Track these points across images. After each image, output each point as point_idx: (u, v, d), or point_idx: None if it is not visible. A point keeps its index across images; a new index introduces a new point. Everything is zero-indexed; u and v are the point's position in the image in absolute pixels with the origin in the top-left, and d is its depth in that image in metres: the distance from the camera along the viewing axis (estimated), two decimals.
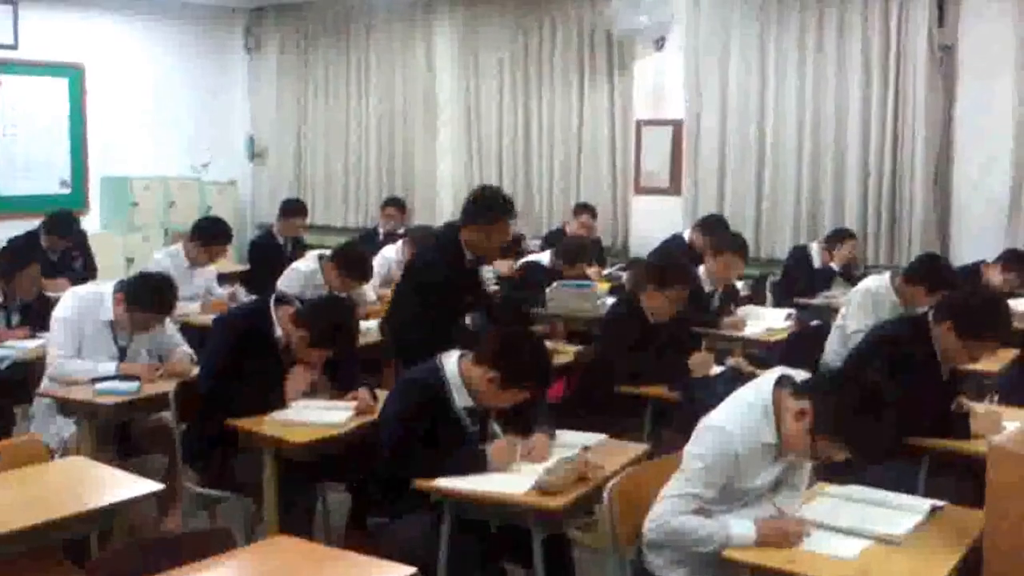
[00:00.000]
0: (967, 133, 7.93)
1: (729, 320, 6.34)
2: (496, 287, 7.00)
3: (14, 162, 10.06)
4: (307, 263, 6.78)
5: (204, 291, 7.04)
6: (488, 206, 5.33)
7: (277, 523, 4.06)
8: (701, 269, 6.50)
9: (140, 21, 10.88)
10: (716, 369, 5.19)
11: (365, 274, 6.63)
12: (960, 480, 3.89)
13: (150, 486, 3.47)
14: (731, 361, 5.33)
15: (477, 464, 3.63)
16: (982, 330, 4.18)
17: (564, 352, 5.71)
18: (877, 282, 5.71)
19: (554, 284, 6.96)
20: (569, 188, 9.76)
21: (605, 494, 3.21)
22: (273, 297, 4.64)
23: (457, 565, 3.56)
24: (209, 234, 7.07)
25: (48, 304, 5.52)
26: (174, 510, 4.67)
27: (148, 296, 4.89)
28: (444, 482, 3.55)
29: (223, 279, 7.57)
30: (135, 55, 10.93)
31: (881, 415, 3.06)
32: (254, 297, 6.01)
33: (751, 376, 3.45)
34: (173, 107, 11.23)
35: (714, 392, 4.20)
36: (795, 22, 8.48)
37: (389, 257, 7.83)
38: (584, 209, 8.91)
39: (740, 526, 3.06)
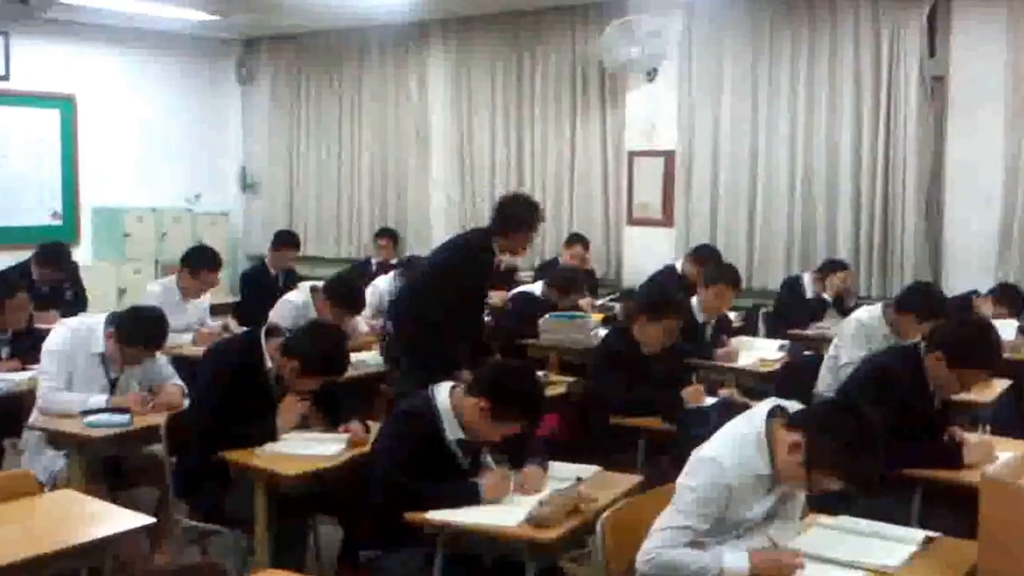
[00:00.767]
0: (958, 164, 7.97)
1: (722, 351, 6.34)
2: (488, 318, 7.00)
3: (5, 193, 10.05)
4: (299, 295, 6.77)
5: (197, 322, 7.02)
6: (528, 218, 5.77)
7: (269, 557, 4.04)
8: (694, 300, 6.51)
9: (132, 52, 10.91)
10: (709, 400, 5.19)
11: (357, 306, 6.63)
12: (953, 511, 3.87)
13: (141, 520, 3.45)
14: (724, 392, 5.34)
15: (470, 496, 3.61)
16: (972, 359, 4.20)
17: (557, 383, 5.70)
18: (869, 313, 5.72)
19: (547, 315, 6.96)
20: (562, 219, 9.78)
21: (598, 526, 3.20)
22: (264, 329, 4.63)
23: None
24: (197, 260, 7.03)
25: (39, 336, 5.50)
26: (165, 544, 4.64)
27: (138, 332, 4.87)
28: (437, 515, 3.52)
29: (215, 310, 7.55)
30: (127, 86, 10.95)
31: (875, 448, 3.06)
32: (245, 329, 5.99)
33: (744, 407, 3.45)
34: (165, 138, 11.25)
35: (707, 423, 4.19)
36: (786, 54, 8.54)
37: (381, 288, 7.82)
38: (577, 240, 8.94)
39: (734, 558, 3.05)
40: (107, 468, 4.81)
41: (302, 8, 9.64)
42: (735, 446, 3.17)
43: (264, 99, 11.85)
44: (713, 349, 6.35)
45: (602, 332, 6.55)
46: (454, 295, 5.62)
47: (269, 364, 4.47)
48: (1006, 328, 6.16)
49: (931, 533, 3.33)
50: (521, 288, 7.93)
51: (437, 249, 6.31)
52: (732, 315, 7.19)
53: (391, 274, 8.00)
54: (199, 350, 6.08)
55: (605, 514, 3.24)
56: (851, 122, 8.27)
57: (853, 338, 5.56)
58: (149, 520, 3.47)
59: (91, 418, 4.63)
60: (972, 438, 4.37)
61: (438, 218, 10.60)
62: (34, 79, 10.12)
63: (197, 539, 4.60)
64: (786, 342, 6.80)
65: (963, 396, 5.02)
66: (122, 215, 10.61)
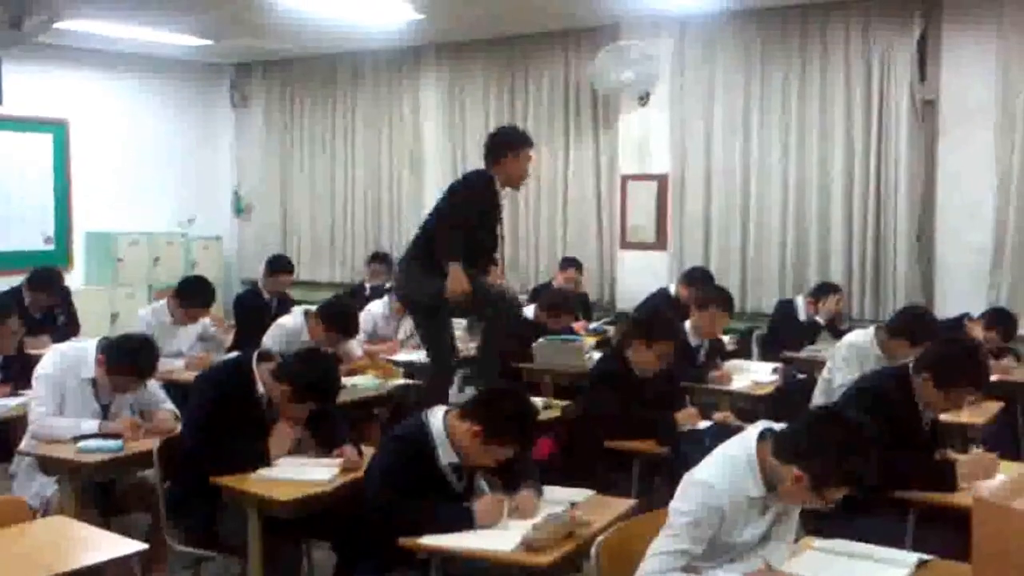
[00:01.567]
0: (949, 187, 8.00)
1: (716, 374, 6.34)
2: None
3: None
4: (292, 319, 6.76)
5: (189, 347, 6.99)
6: (509, 140, 6.25)
7: None
8: (687, 323, 6.51)
9: (125, 77, 10.95)
10: (703, 424, 5.19)
11: (351, 329, 6.62)
12: (947, 533, 3.87)
13: (134, 546, 3.42)
14: (718, 416, 5.34)
15: (463, 521, 3.60)
16: (959, 379, 4.24)
17: (551, 407, 5.70)
18: (862, 336, 5.73)
19: (541, 339, 6.96)
20: (555, 243, 9.79)
21: (593, 550, 3.18)
22: (255, 354, 4.62)
23: None
24: (189, 294, 6.99)
25: (30, 361, 5.49)
26: (159, 570, 4.62)
27: (128, 359, 4.86)
28: (430, 539, 3.51)
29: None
30: (120, 111, 10.98)
31: (862, 441, 3.08)
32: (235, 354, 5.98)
33: (738, 430, 3.43)
34: (158, 163, 11.27)
35: (702, 446, 4.19)
36: (778, 78, 8.58)
37: (375, 312, 7.82)
38: (570, 264, 8.95)
39: None
40: (99, 494, 4.78)
41: (295, 33, 9.67)
42: (726, 469, 3.16)
43: (257, 123, 11.88)
44: (707, 372, 6.34)
45: (596, 355, 6.56)
46: (464, 223, 6.00)
47: (261, 389, 4.46)
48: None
49: (925, 556, 3.33)
50: None
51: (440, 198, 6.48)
52: (726, 338, 7.19)
53: (385, 298, 8.00)
54: (191, 375, 6.06)
55: (599, 538, 3.23)
56: (842, 146, 8.31)
57: (846, 361, 5.58)
58: (142, 546, 3.44)
59: (83, 443, 4.61)
60: (964, 458, 4.38)
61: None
62: (27, 104, 10.14)
63: (190, 565, 4.58)
64: (780, 365, 6.80)
65: (957, 418, 5.06)
66: (115, 240, 10.62)
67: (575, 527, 3.53)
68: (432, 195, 10.48)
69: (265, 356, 4.61)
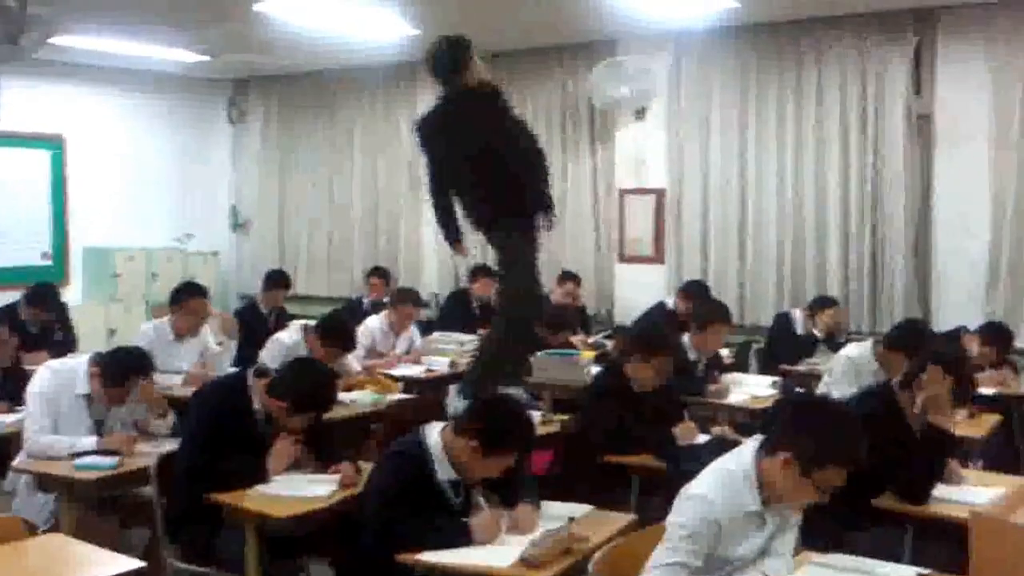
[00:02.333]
0: (945, 200, 8.02)
1: (714, 388, 6.33)
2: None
3: None
4: (290, 334, 6.75)
5: (191, 363, 6.95)
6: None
7: None
8: (685, 337, 6.51)
9: (122, 92, 10.96)
10: (702, 438, 5.18)
11: (349, 344, 6.61)
12: (945, 547, 3.87)
13: (131, 563, 3.41)
14: (716, 430, 5.33)
15: (461, 537, 3.59)
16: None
17: (550, 421, 5.69)
18: (859, 350, 5.75)
19: (539, 353, 6.95)
20: (553, 257, 9.78)
21: (591, 566, 3.18)
22: (252, 370, 4.62)
23: None
24: (181, 292, 6.96)
25: (26, 378, 5.47)
26: None
27: (120, 368, 4.86)
28: (428, 556, 3.50)
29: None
30: (117, 126, 11.00)
31: (848, 419, 3.13)
32: (233, 369, 5.98)
33: (736, 444, 3.44)
34: (155, 178, 11.28)
35: (700, 461, 4.17)
36: (774, 92, 8.61)
37: (374, 327, 7.81)
38: (568, 278, 8.95)
39: None
40: (102, 510, 4.78)
41: (292, 49, 9.69)
42: (723, 483, 3.17)
43: (255, 138, 11.90)
44: (705, 386, 6.34)
45: (595, 369, 6.55)
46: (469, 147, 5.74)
47: (257, 405, 4.46)
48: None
49: (923, 570, 3.32)
50: None
51: None
52: (724, 352, 7.19)
53: (383, 313, 8.00)
54: (189, 391, 6.05)
55: (598, 554, 3.23)
56: (838, 159, 8.33)
57: (843, 374, 5.61)
58: (139, 564, 3.43)
59: (80, 460, 4.60)
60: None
61: (430, 256, 10.61)
62: (23, 120, 10.16)
63: None
64: (778, 378, 6.80)
65: (956, 431, 5.04)
66: (112, 255, 10.62)
67: (573, 542, 3.52)
68: (430, 208, 10.48)
69: (262, 372, 4.61)
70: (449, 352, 7.62)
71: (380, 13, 8.19)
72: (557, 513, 3.86)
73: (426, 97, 10.49)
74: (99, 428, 4.93)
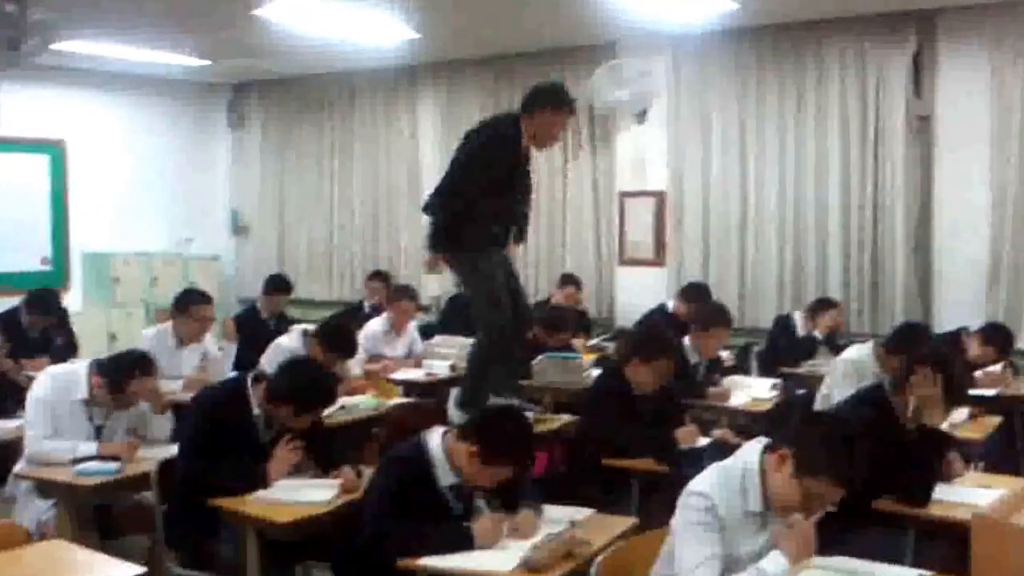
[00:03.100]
0: (946, 202, 8.02)
1: (715, 391, 6.33)
2: None
3: None
4: (291, 339, 6.73)
5: (198, 365, 6.94)
6: (551, 96, 5.67)
7: None
8: (686, 339, 6.50)
9: (122, 97, 10.97)
10: (703, 441, 5.18)
11: (350, 349, 6.59)
12: (946, 549, 3.86)
13: (132, 569, 3.40)
14: (717, 432, 5.33)
15: (462, 542, 3.59)
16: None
17: (551, 423, 5.68)
18: (860, 352, 5.74)
19: (540, 356, 6.95)
20: (554, 260, 9.80)
21: (592, 569, 3.18)
22: (251, 375, 4.62)
23: None
24: (186, 299, 6.96)
25: (11, 385, 5.47)
26: None
27: (125, 372, 4.86)
28: (429, 560, 3.50)
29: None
30: (117, 131, 11.00)
31: (855, 445, 3.11)
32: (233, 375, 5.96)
33: (737, 448, 3.44)
34: (155, 183, 11.28)
35: (701, 464, 4.17)
36: (774, 94, 8.60)
37: (374, 331, 7.81)
38: (569, 280, 8.94)
39: (772, 563, 3.06)
40: (98, 517, 4.77)
41: (293, 53, 9.69)
42: (720, 480, 3.18)
43: (255, 143, 11.91)
44: (705, 388, 6.34)
45: (595, 372, 6.55)
46: (484, 171, 5.62)
47: (256, 411, 4.46)
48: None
49: (924, 572, 3.31)
50: None
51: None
52: (724, 354, 7.19)
53: (383, 316, 8.00)
54: (189, 396, 6.04)
55: (599, 558, 3.22)
56: (839, 161, 8.32)
57: (844, 376, 5.59)
58: (140, 570, 3.42)
59: (80, 466, 4.60)
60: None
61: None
62: (23, 125, 10.17)
63: None
64: (779, 381, 6.80)
65: (955, 433, 5.04)
66: (112, 260, 10.62)
67: (574, 546, 3.51)
68: None
69: (260, 377, 4.60)
70: (450, 356, 7.62)
71: (380, 17, 8.19)
72: (558, 517, 3.86)
73: (426, 100, 10.57)
74: (98, 433, 4.92)
